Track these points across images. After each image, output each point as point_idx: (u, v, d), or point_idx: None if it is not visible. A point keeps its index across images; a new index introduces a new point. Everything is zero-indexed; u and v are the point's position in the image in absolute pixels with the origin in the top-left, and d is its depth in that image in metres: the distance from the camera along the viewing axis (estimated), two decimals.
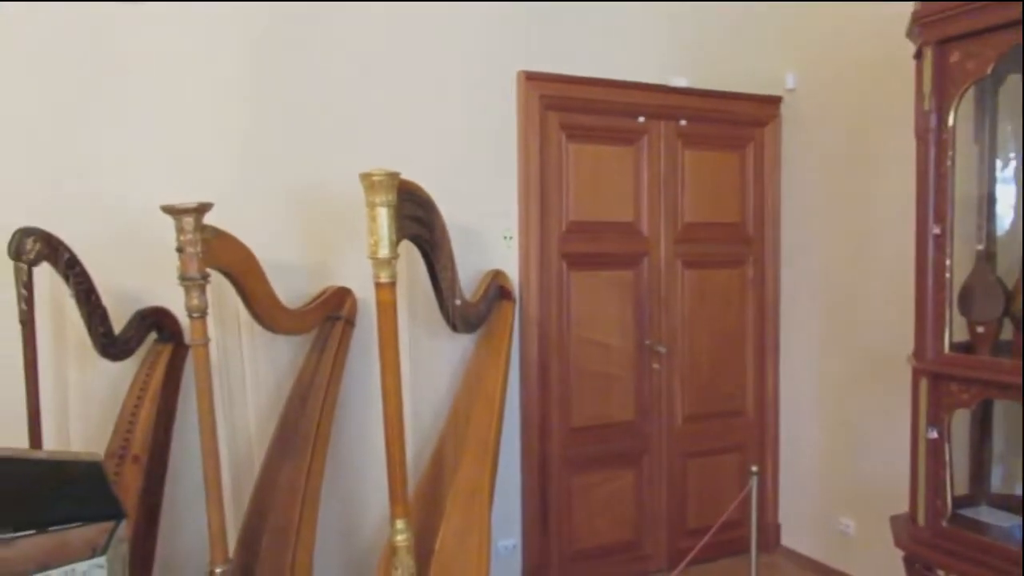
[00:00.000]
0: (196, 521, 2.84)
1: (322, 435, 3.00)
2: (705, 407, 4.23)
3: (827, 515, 4.08)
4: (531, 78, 3.63)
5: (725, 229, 4.24)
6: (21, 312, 2.46)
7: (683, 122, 4.06)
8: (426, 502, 3.21)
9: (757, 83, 4.21)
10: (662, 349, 4.05)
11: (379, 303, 2.67)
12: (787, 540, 4.36)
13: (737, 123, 4.22)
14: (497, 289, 3.53)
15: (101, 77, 2.91)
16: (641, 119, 3.95)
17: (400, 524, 2.73)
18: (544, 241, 3.72)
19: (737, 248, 4.28)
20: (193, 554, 2.97)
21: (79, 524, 2.01)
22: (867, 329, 3.82)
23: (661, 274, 4.07)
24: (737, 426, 4.33)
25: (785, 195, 4.31)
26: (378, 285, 2.65)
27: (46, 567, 1.72)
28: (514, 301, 3.61)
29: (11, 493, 1.82)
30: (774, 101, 4.27)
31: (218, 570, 2.51)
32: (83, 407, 2.87)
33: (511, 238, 3.66)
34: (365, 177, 2.58)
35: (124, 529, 1.97)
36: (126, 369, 2.88)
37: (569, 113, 3.77)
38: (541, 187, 3.69)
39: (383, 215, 2.60)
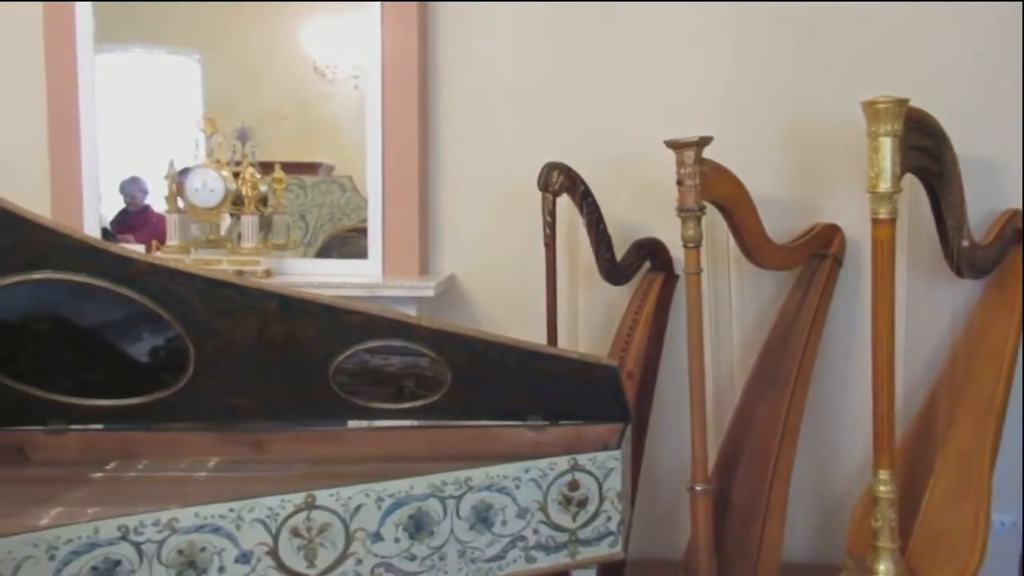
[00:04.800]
0: (677, 439, 3.04)
1: (804, 373, 2.98)
2: None
3: None
4: None
5: None
6: (545, 236, 2.84)
7: None
8: (910, 456, 3.00)
9: None
10: None
11: (876, 240, 2.55)
12: None
13: None
14: (1014, 231, 3.07)
15: (603, 31, 3.19)
16: None
17: (884, 475, 2.61)
18: None
19: None
20: (672, 469, 3.19)
21: (588, 422, 2.30)
22: None
23: None
24: None
25: None
26: (875, 221, 2.54)
27: (570, 453, 2.01)
28: None
29: (543, 386, 2.14)
30: None
31: (699, 487, 2.67)
32: (588, 324, 3.25)
33: None
34: (869, 105, 2.46)
35: (630, 432, 2.20)
36: (622, 295, 3.18)
37: None
38: None
39: (886, 145, 2.48)
